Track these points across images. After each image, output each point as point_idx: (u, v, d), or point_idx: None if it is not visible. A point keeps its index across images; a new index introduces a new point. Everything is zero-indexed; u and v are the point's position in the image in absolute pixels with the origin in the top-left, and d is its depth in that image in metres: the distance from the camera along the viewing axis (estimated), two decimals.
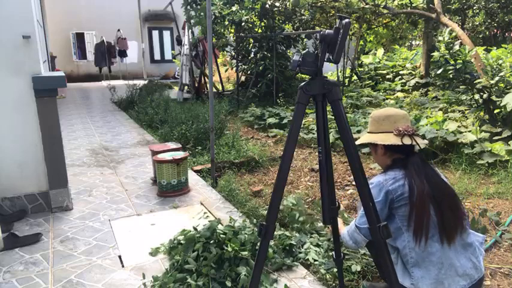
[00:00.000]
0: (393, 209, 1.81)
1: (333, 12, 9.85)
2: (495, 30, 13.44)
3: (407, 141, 1.82)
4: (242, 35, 9.65)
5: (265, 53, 9.42)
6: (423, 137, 1.94)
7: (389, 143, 1.84)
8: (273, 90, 8.93)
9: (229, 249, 2.37)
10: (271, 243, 2.65)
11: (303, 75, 10.02)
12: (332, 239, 2.21)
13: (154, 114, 7.43)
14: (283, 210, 3.13)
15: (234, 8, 9.30)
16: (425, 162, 1.88)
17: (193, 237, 2.53)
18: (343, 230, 1.98)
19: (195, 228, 2.69)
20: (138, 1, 14.86)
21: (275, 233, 2.74)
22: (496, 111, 5.24)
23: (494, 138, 4.90)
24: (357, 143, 1.97)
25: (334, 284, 2.37)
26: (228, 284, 2.24)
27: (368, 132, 2.01)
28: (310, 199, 3.76)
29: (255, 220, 3.13)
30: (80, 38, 17.55)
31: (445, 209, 1.76)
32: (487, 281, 2.46)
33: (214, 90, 10.50)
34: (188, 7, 9.42)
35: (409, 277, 1.77)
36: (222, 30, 9.75)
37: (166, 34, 19.14)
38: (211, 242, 2.47)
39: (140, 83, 11.22)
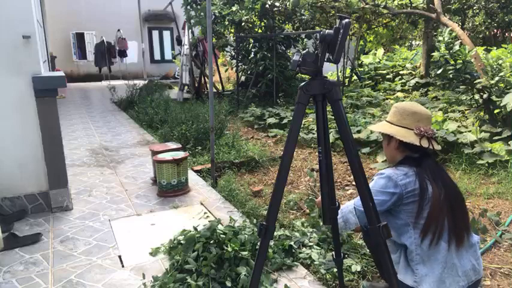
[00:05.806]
0: (401, 205, 1.80)
1: (333, 12, 9.84)
2: (495, 30, 13.42)
3: (425, 143, 1.80)
4: (242, 35, 9.65)
5: (265, 53, 9.41)
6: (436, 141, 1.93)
7: (408, 140, 1.81)
8: (273, 90, 8.93)
9: (229, 249, 2.37)
10: (271, 243, 2.65)
11: (303, 75, 10.02)
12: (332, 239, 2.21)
13: (154, 114, 7.43)
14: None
15: (234, 8, 9.30)
16: (439, 165, 1.89)
17: (193, 237, 2.53)
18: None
19: (195, 228, 2.69)
20: (138, 1, 14.84)
21: (275, 233, 2.75)
22: (496, 111, 5.23)
23: (494, 138, 4.90)
24: (373, 129, 1.98)
25: (334, 284, 2.37)
26: (228, 284, 2.24)
27: (387, 121, 1.96)
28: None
29: (255, 220, 3.13)
30: (80, 38, 17.54)
31: (457, 212, 1.78)
32: (487, 281, 2.46)
33: (214, 90, 10.50)
34: (188, 7, 9.43)
35: (413, 274, 1.77)
36: (222, 30, 9.75)
37: (166, 34, 19.14)
38: (211, 242, 2.47)
39: (140, 83, 11.20)
